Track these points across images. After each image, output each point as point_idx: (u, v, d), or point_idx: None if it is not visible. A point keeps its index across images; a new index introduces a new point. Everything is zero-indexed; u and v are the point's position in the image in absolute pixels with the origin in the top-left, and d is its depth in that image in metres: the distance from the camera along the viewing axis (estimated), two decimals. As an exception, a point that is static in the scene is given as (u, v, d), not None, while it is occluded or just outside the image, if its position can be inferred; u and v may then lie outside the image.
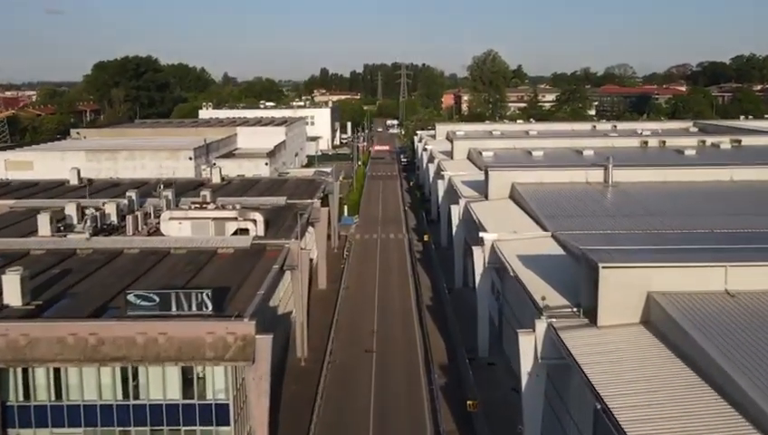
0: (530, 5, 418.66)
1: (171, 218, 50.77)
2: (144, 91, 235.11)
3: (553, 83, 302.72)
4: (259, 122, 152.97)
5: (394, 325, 56.44)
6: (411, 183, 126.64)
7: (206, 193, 60.44)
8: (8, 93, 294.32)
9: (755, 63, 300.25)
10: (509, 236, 48.22)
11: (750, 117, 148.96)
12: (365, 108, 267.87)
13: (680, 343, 28.42)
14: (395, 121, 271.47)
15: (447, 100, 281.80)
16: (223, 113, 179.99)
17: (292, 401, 42.69)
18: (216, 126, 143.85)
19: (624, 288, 30.82)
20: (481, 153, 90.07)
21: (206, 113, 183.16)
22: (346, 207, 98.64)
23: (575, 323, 32.15)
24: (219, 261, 45.61)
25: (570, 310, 33.58)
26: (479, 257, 48.00)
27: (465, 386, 44.36)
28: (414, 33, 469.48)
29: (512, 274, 41.38)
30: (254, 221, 50.41)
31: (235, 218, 50.94)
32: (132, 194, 60.36)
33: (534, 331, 32.31)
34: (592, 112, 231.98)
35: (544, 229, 50.02)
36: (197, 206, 55.11)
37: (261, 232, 50.44)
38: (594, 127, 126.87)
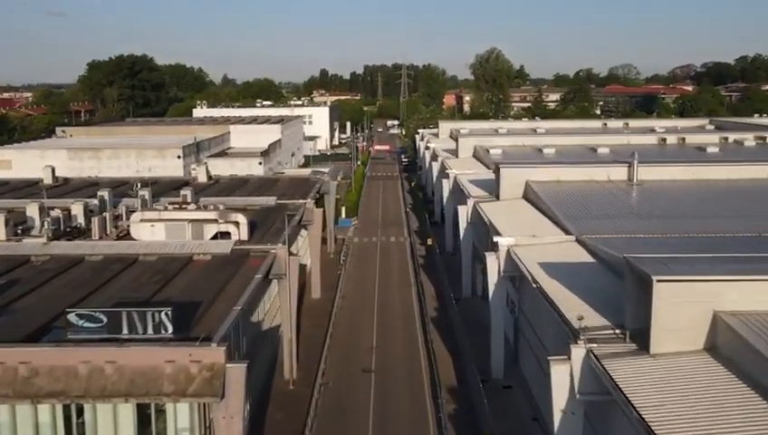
0: (531, 7, 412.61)
1: (143, 220, 44.68)
2: (139, 90, 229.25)
3: (555, 85, 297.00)
4: (254, 121, 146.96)
5: (395, 340, 50.30)
6: (413, 183, 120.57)
7: (186, 192, 54.36)
8: (5, 95, 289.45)
9: (761, 64, 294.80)
10: (527, 240, 42.09)
11: (764, 115, 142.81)
12: (365, 108, 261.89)
13: (757, 374, 22.39)
14: (395, 122, 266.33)
15: (449, 100, 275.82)
16: (217, 112, 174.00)
17: (276, 433, 36.54)
18: (209, 124, 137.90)
19: (685, 306, 24.70)
20: (488, 151, 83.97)
21: (200, 112, 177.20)
22: (344, 208, 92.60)
23: (621, 350, 26.05)
24: (194, 269, 39.54)
25: (612, 333, 27.46)
26: (493, 265, 41.86)
27: (478, 415, 38.18)
28: (414, 34, 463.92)
29: (534, 285, 35.27)
30: (237, 223, 44.30)
31: (216, 220, 44.83)
32: (105, 193, 54.31)
33: (569, 359, 26.19)
34: (597, 112, 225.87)
35: (567, 233, 43.90)
36: (176, 206, 49.02)
37: (244, 236, 44.36)
38: (605, 125, 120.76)
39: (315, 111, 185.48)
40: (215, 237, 44.45)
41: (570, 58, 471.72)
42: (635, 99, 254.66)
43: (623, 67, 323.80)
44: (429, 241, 74.19)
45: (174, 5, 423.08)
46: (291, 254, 42.22)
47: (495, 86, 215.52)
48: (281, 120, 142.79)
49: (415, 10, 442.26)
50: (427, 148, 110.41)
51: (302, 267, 60.39)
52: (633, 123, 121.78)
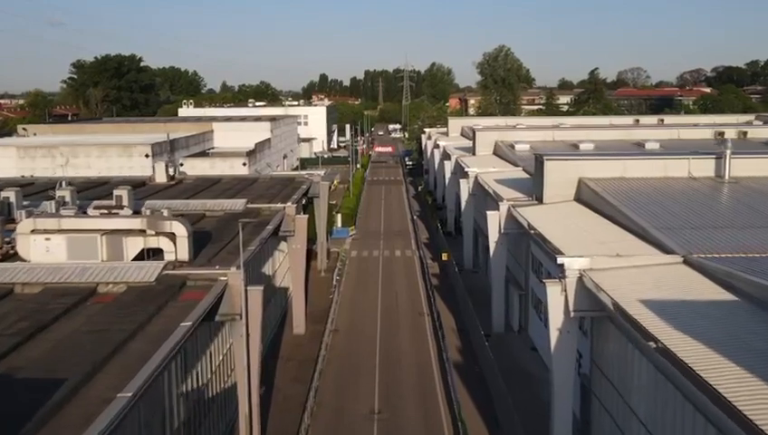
0: (533, 13, 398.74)
1: (35, 232, 30.22)
2: (126, 92, 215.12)
3: (559, 90, 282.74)
4: (243, 121, 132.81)
5: (406, 399, 35.73)
6: (419, 188, 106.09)
7: (122, 193, 39.87)
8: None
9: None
10: (609, 261, 27.65)
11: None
12: (365, 112, 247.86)
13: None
14: (397, 126, 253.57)
15: (453, 104, 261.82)
16: (204, 112, 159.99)
17: None
18: (192, 123, 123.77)
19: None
20: (513, 146, 69.66)
21: (185, 112, 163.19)
22: (339, 215, 78.19)
23: None
24: (92, 310, 25.10)
25: None
26: (556, 300, 27.35)
27: None
28: (415, 41, 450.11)
29: (649, 343, 20.76)
30: (172, 236, 29.82)
31: (143, 232, 30.36)
32: (10, 194, 39.94)
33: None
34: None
35: (664, 249, 29.48)
36: (105, 211, 34.66)
37: (184, 254, 29.93)
38: (637, 121, 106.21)
39: (311, 110, 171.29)
40: (140, 257, 30.02)
41: (573, 65, 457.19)
42: (649, 101, 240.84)
43: (632, 71, 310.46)
44: (444, 256, 59.66)
45: (172, 14, 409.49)
46: (248, 287, 27.61)
47: (504, 86, 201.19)
48: (272, 119, 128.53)
49: (416, 16, 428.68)
50: (436, 146, 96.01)
51: (282, 293, 46.01)
52: (668, 120, 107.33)
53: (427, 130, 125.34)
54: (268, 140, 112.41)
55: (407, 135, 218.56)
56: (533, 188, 44.78)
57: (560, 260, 27.67)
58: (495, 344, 40.81)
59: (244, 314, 26.81)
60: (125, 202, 38.88)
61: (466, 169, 60.70)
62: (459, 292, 51.68)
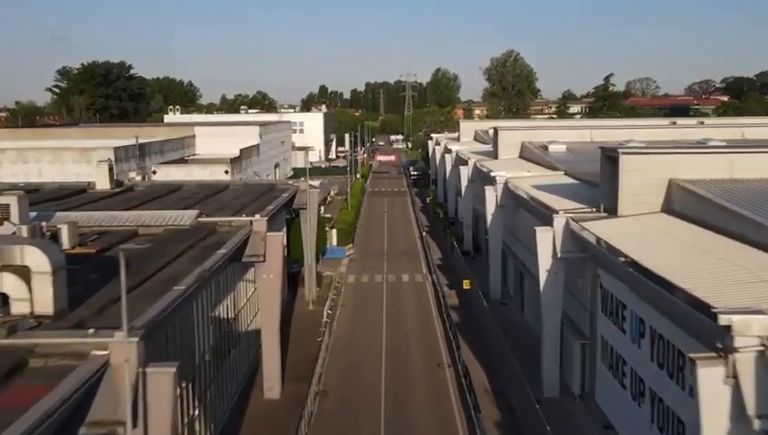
0: (536, 26, 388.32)
1: None
2: (114, 100, 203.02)
3: (564, 103, 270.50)
4: (229, 125, 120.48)
5: None
6: (428, 200, 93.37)
7: (9, 201, 27.28)
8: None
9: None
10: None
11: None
12: (366, 123, 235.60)
13: None
14: (399, 136, 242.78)
15: (458, 113, 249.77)
16: (191, 118, 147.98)
17: None
18: (173, 127, 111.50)
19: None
20: (546, 147, 57.16)
21: (171, 118, 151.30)
22: (335, 231, 65.54)
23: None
24: None
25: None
26: (716, 393, 14.62)
27: None
28: (416, 53, 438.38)
29: None
30: (24, 272, 17.07)
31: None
32: None
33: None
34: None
35: None
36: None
37: (44, 304, 17.18)
38: (674, 123, 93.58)
39: (307, 117, 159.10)
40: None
41: (575, 79, 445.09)
42: (663, 110, 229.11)
43: (640, 81, 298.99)
44: (466, 284, 46.79)
45: (168, 28, 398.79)
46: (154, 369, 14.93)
47: (514, 93, 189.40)
48: (262, 124, 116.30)
49: (417, 28, 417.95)
50: (447, 151, 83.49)
51: (250, 341, 33.39)
52: (709, 122, 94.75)
53: (434, 135, 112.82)
54: (257, 146, 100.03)
55: (410, 145, 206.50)
56: (601, 195, 32.13)
57: (723, 319, 14.94)
58: (550, 415, 28.02)
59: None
60: (12, 213, 26.51)
61: (493, 174, 48.05)
62: (491, 334, 38.94)
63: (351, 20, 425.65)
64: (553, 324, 31.92)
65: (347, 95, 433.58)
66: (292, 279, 50.53)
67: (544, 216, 33.14)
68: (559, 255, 30.67)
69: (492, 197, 47.47)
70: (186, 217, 31.00)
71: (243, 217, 31.57)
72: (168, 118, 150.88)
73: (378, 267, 58.45)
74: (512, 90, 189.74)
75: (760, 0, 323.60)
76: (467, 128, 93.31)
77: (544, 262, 31.40)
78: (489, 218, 48.06)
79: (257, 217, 31.24)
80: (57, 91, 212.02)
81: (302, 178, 51.26)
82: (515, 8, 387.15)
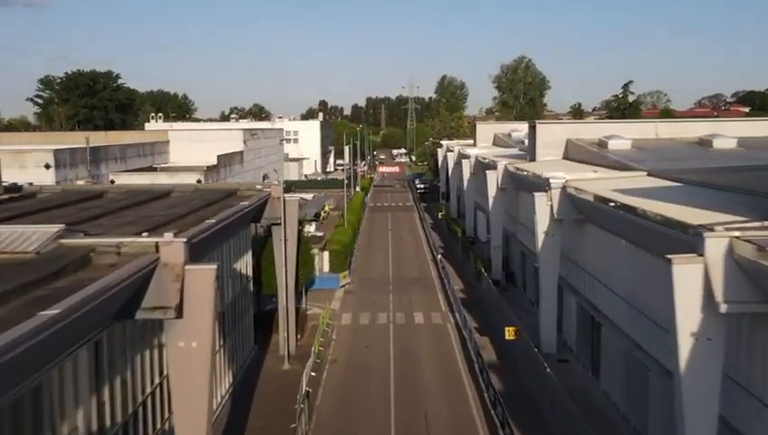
0: (538, 37, 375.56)
1: None
2: (100, 111, 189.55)
3: (573, 116, 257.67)
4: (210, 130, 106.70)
5: None
6: (440, 215, 79.12)
7: None
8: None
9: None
10: None
11: None
12: (368, 136, 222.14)
13: None
14: (402, 150, 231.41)
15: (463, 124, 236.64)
16: (172, 125, 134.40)
17: None
18: (143, 132, 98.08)
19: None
20: (605, 144, 43.39)
21: (153, 126, 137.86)
22: (327, 254, 51.33)
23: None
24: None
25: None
26: None
27: None
28: (419, 66, 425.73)
29: None
30: None
31: None
32: None
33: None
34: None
35: None
36: None
37: None
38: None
39: (303, 126, 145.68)
40: None
41: (582, 93, 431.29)
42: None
43: (651, 94, 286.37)
44: (510, 332, 32.34)
45: (168, 41, 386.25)
46: None
47: (525, 102, 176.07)
48: (248, 129, 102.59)
49: (419, 41, 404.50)
50: (464, 157, 69.50)
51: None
52: None
53: (444, 142, 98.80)
54: (240, 153, 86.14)
55: (413, 158, 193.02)
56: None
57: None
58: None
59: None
60: None
61: (546, 175, 33.91)
62: (562, 418, 24.60)
63: (351, 35, 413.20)
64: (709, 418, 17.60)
65: (347, 111, 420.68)
66: (264, 322, 36.50)
67: (675, 240, 18.95)
68: (723, 307, 16.47)
69: (544, 207, 33.33)
70: (35, 238, 16.94)
71: (143, 239, 17.39)
72: (150, 126, 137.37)
73: (382, 302, 44.26)
74: (523, 98, 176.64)
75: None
76: (485, 131, 79.49)
77: (687, 318, 17.14)
78: (539, 238, 33.81)
79: (168, 236, 17.04)
80: (39, 101, 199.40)
81: (273, 181, 37.21)
82: (520, 22, 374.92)
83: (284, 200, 32.93)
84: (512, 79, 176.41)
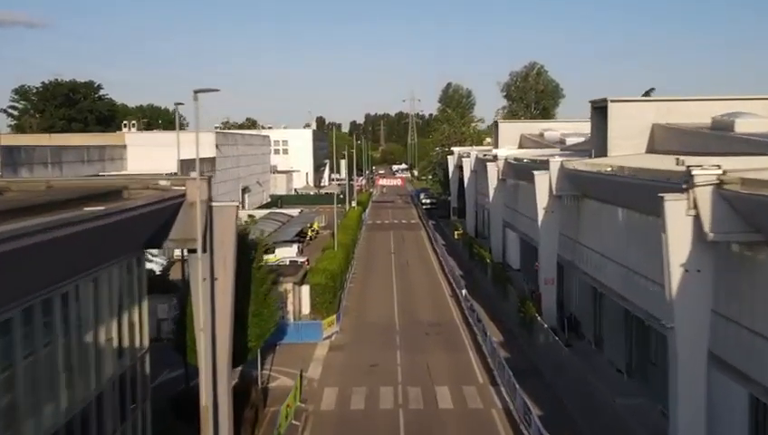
0: (539, 45, 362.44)
1: None
2: (79, 123, 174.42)
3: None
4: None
5: None
6: (456, 234, 63.60)
7: None
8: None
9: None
10: None
11: None
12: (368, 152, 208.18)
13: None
14: (402, 166, 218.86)
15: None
16: (149, 135, 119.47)
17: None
18: (97, 135, 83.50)
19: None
20: (730, 124, 28.46)
21: (129, 137, 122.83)
22: (307, 289, 36.09)
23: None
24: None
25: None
26: None
27: None
28: (419, 82, 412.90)
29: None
30: None
31: None
32: None
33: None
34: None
35: None
36: None
37: None
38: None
39: (293, 134, 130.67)
40: None
41: (583, 105, 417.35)
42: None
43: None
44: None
45: (165, 56, 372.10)
46: None
47: (537, 111, 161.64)
48: (222, 133, 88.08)
49: (419, 55, 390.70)
50: (490, 159, 54.35)
51: None
52: None
53: (456, 149, 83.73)
54: (211, 159, 71.30)
55: (416, 173, 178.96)
56: None
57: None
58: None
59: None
60: None
61: (688, 169, 18.72)
62: None
63: (349, 50, 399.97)
64: None
65: (345, 127, 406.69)
66: (188, 415, 21.09)
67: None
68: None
69: (682, 219, 18.14)
70: None
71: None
72: (128, 137, 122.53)
73: (385, 366, 29.02)
74: (535, 108, 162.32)
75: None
76: (509, 131, 64.42)
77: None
78: (672, 286, 18.48)
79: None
80: (15, 112, 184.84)
81: (193, 175, 22.02)
82: (521, 30, 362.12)
83: (210, 207, 17.85)
84: (522, 87, 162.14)
